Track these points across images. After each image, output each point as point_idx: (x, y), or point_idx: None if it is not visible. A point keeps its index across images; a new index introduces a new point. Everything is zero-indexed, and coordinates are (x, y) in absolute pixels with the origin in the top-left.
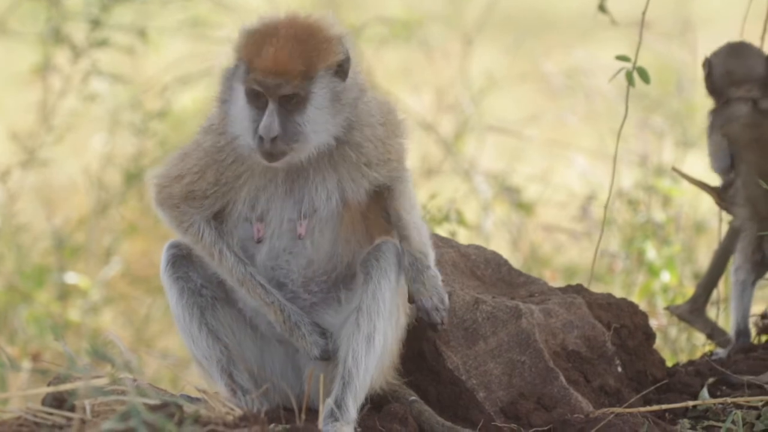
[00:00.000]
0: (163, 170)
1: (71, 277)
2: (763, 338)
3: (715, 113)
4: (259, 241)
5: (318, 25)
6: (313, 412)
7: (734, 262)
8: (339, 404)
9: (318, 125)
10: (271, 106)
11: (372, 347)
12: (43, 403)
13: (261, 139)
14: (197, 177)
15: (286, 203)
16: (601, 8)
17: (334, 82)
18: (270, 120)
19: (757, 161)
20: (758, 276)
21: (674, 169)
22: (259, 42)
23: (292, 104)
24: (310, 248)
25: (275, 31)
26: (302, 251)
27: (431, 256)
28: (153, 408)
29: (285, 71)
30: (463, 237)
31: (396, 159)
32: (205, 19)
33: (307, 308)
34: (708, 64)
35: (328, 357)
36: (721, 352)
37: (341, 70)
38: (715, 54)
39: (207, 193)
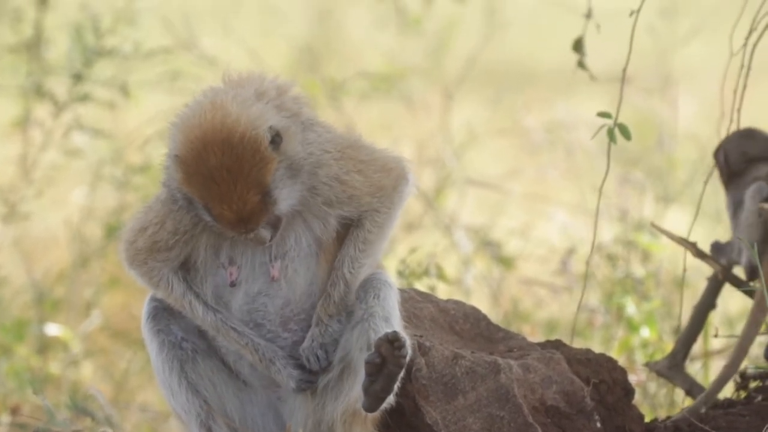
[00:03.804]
0: (129, 225)
1: (52, 329)
2: (743, 394)
3: (735, 190)
4: (233, 284)
5: (239, 133)
6: None
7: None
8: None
9: (287, 200)
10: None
11: (390, 326)
12: None
13: None
14: (158, 227)
15: (254, 247)
16: (581, 64)
17: (282, 163)
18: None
19: None
20: None
21: (653, 225)
22: (197, 178)
23: None
24: (286, 289)
25: (207, 166)
26: (278, 292)
27: (335, 317)
28: None
29: (249, 218)
30: (443, 292)
31: (367, 193)
32: (186, 72)
33: (288, 347)
34: (723, 152)
35: (305, 388)
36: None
37: (280, 151)
38: (727, 141)
39: (169, 244)
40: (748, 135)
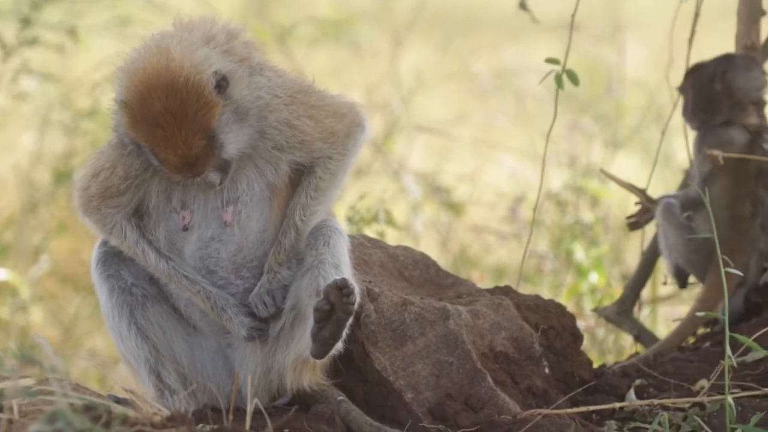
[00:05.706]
0: (83, 171)
1: (1, 274)
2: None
3: (708, 132)
4: (185, 229)
5: (183, 77)
6: (241, 412)
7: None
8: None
9: (234, 143)
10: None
11: (340, 273)
12: None
13: None
14: (110, 173)
15: (206, 191)
16: (522, 6)
17: (228, 107)
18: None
19: (731, 188)
20: None
21: (602, 171)
22: (142, 123)
23: None
24: (239, 235)
25: (152, 111)
26: (231, 238)
27: (285, 265)
28: (80, 409)
29: (195, 163)
30: (392, 238)
31: (319, 138)
32: (134, 17)
33: (240, 294)
34: (725, 79)
35: (255, 336)
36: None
37: (226, 95)
38: (730, 66)
39: (121, 189)
40: (750, 66)
